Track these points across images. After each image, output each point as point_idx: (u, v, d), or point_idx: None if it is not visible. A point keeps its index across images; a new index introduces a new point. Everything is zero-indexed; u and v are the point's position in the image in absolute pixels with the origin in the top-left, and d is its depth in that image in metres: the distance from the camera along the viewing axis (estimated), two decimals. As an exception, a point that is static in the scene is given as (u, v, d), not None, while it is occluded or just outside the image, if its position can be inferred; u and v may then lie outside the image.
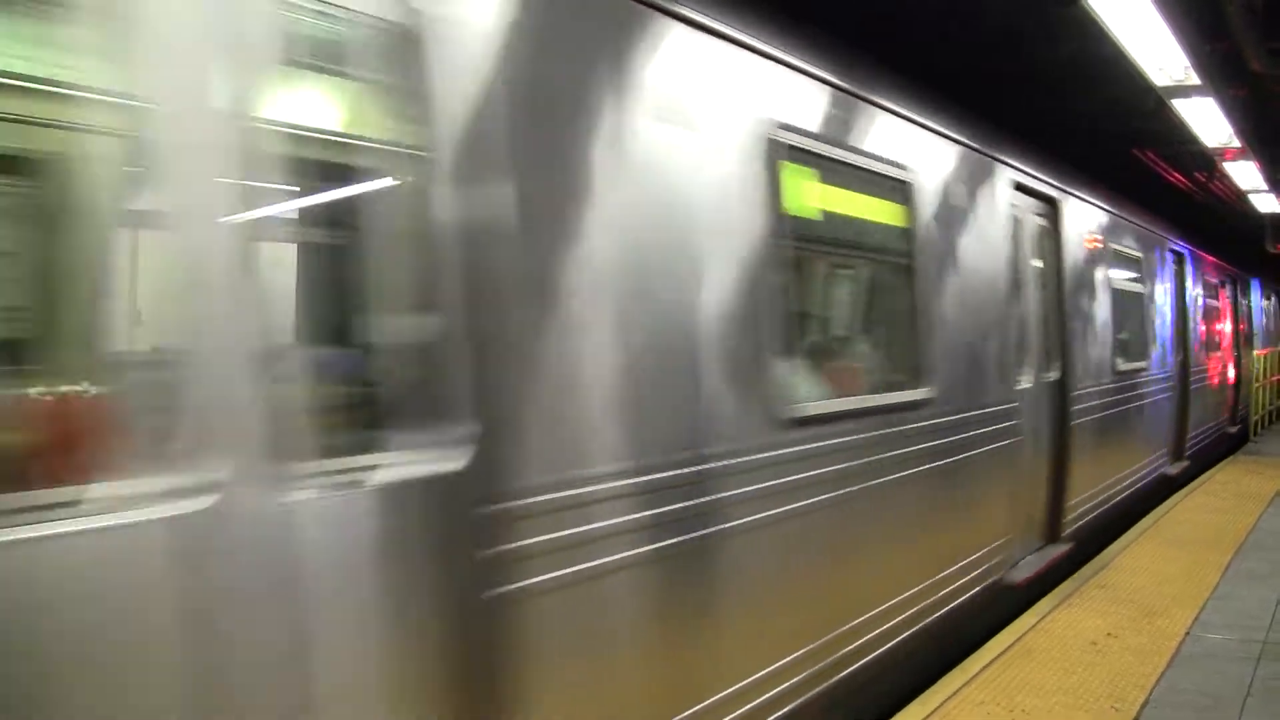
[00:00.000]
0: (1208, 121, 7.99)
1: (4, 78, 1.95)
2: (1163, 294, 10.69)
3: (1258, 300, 18.65)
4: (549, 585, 2.69)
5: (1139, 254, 9.69)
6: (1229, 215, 14.46)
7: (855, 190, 4.63)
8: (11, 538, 1.64)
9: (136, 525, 1.80)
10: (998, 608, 5.89)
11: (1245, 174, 10.71)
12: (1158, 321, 10.36)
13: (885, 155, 4.83)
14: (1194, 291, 12.17)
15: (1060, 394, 7.16)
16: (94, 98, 1.93)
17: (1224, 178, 11.32)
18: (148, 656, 1.83)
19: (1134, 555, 7.70)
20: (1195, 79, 6.66)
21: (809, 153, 4.19)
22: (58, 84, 1.95)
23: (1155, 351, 10.11)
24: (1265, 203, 12.73)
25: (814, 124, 4.30)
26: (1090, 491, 7.72)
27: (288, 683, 2.08)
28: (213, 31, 2.04)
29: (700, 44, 3.56)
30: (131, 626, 1.80)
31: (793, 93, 4.14)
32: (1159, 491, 10.09)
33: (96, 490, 1.80)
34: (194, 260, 1.97)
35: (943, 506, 5.28)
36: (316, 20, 2.35)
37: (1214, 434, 13.32)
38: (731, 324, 3.62)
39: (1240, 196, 12.37)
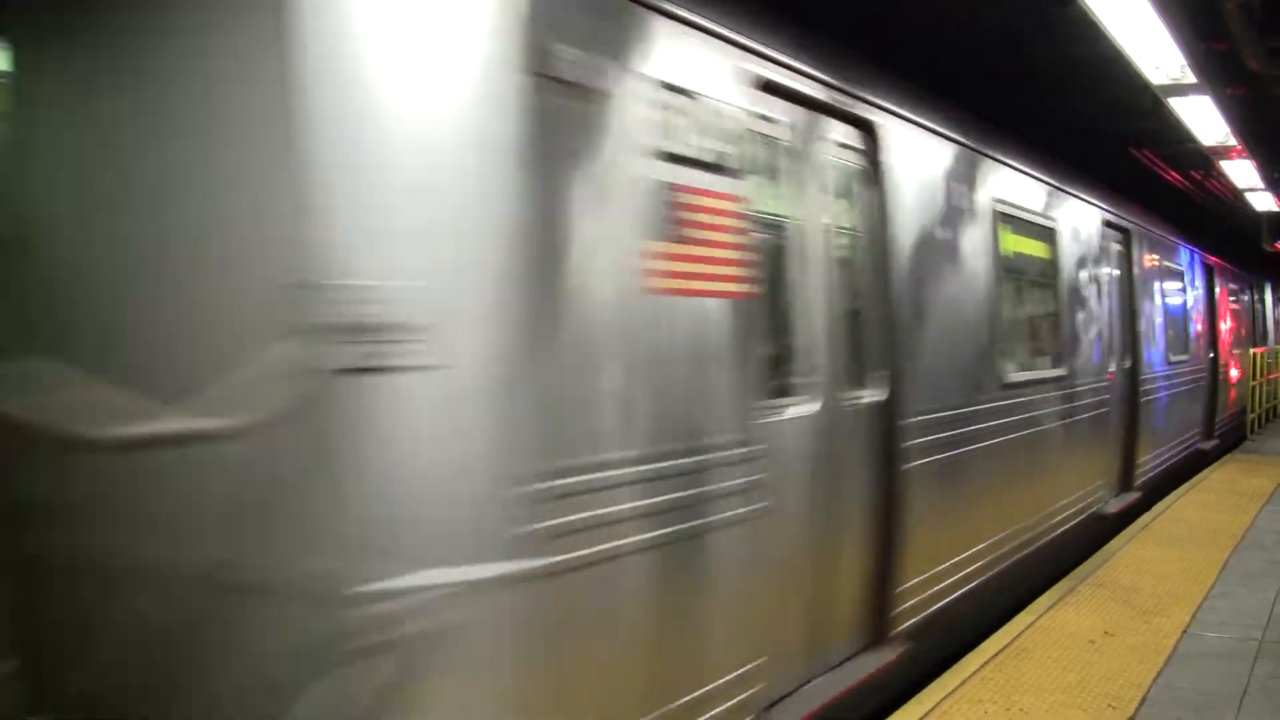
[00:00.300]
0: (1205, 120, 8.00)
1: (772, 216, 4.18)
2: (1199, 300, 12.93)
3: (1270, 302, 20.39)
4: (920, 468, 5.01)
5: (1182, 268, 11.98)
6: (1226, 214, 14.47)
7: (1028, 236, 6.93)
8: (779, 418, 4.03)
9: (805, 414, 4.24)
10: (1096, 531, 8.13)
11: (1242, 172, 10.72)
12: (1195, 323, 12.62)
13: (1041, 211, 7.16)
14: (1219, 297, 14.39)
15: (1132, 379, 9.30)
16: (792, 221, 4.30)
17: (1221, 176, 11.34)
18: (815, 456, 4.33)
19: (1131, 554, 7.72)
20: (1192, 78, 6.67)
21: (1008, 215, 6.51)
22: (785, 217, 4.28)
23: (1194, 348, 12.41)
24: (1262, 201, 12.74)
25: (1010, 195, 6.57)
26: (1152, 454, 9.92)
27: (832, 485, 4.44)
28: (821, 186, 4.49)
29: (968, 156, 5.99)
30: (803, 446, 4.26)
31: (999, 177, 6.45)
32: (1196, 462, 12.24)
33: (796, 401, 4.22)
34: (819, 297, 4.44)
35: (1070, 452, 7.55)
36: (849, 172, 4.78)
37: (1237, 419, 15.61)
38: (983, 323, 6.03)
39: (1237, 195, 12.39)
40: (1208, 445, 13.07)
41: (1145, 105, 7.73)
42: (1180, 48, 6.08)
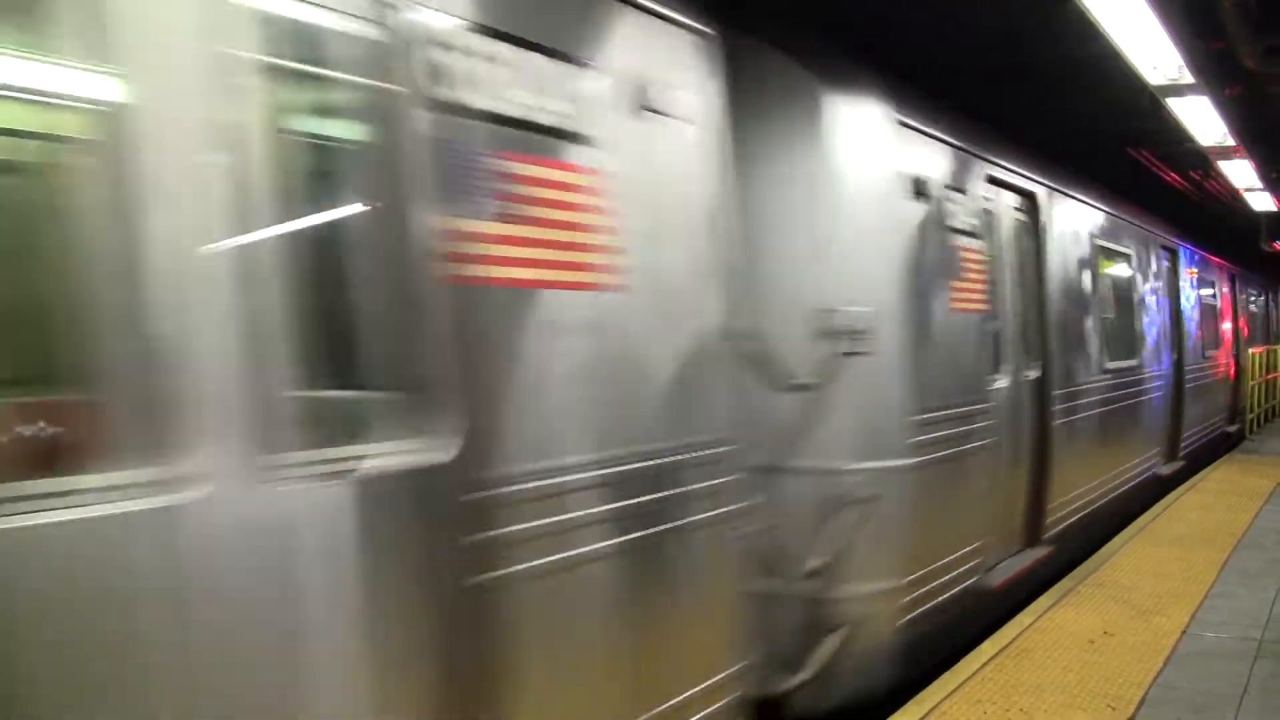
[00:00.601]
0: (1202, 120, 8.00)
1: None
2: (1225, 304, 15.14)
3: None
4: (1059, 425, 7.20)
5: (1213, 278, 14.28)
6: (1225, 214, 14.47)
7: (1113, 260, 9.23)
8: (994, 386, 6.25)
9: (1004, 385, 6.39)
10: (1154, 487, 10.23)
11: (1241, 172, 10.72)
12: (1223, 323, 14.92)
13: (1120, 240, 9.50)
14: (1241, 302, 16.69)
15: (1178, 370, 11.52)
16: (995, 261, 6.55)
17: (1219, 176, 11.33)
18: (1007, 412, 6.41)
19: (1130, 554, 7.72)
20: (1189, 77, 6.66)
21: (1102, 246, 8.80)
22: (993, 259, 6.56)
23: (1222, 344, 14.69)
24: (1260, 201, 12.74)
25: (1103, 232, 8.86)
26: (1192, 431, 12.15)
27: (1015, 432, 6.59)
28: (1007, 236, 6.73)
29: (1080, 207, 8.25)
30: (1003, 405, 6.39)
31: (1097, 219, 8.73)
32: (1221, 442, 14.22)
33: (999, 376, 6.37)
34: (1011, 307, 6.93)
35: (1139, 425, 9.83)
36: (1019, 225, 6.97)
37: None
38: (1091, 324, 8.24)
39: (1235, 195, 12.38)
40: (1232, 428, 15.09)
41: (1143, 105, 7.72)
42: (1177, 47, 6.08)
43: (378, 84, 2.54)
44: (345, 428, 2.46)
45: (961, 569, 5.61)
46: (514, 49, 2.89)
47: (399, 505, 2.46)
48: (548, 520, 2.85)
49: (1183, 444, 11.59)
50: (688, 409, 3.52)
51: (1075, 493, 7.59)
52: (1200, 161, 10.60)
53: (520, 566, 2.75)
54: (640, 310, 3.31)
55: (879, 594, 4.84)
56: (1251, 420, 16.37)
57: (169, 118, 2.06)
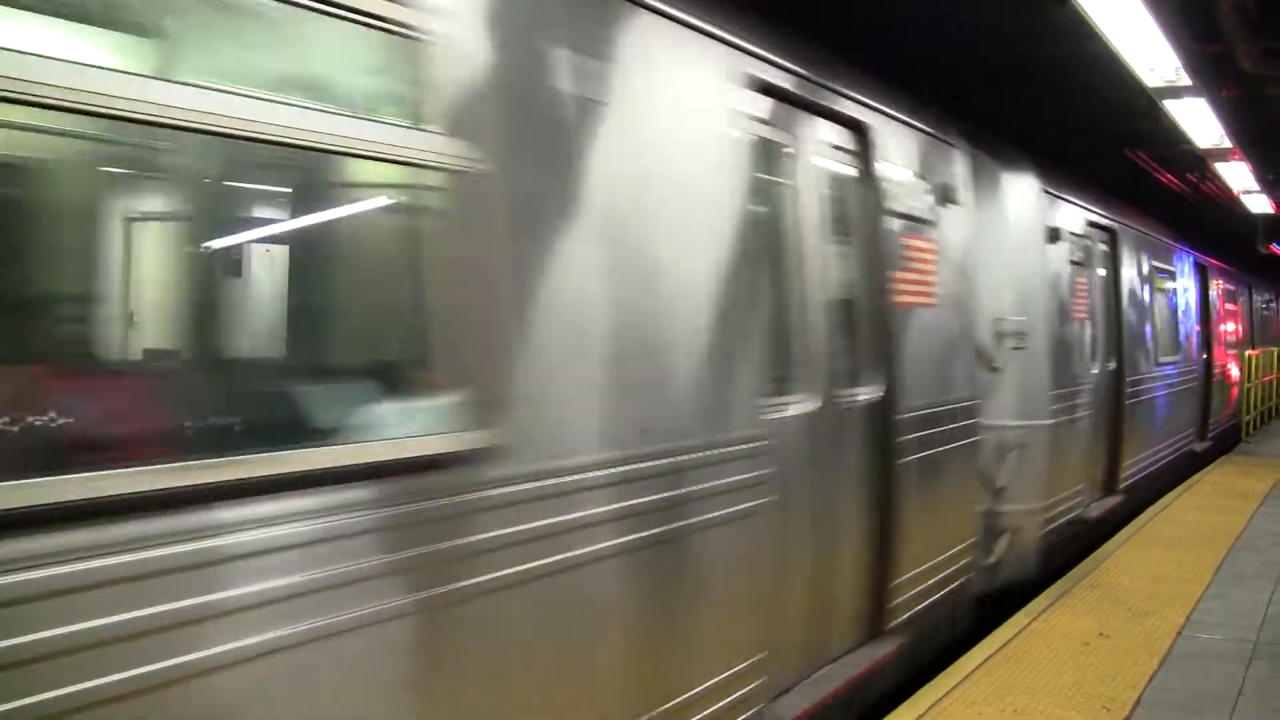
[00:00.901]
0: (1200, 122, 8.01)
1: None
2: (1244, 311, 17.35)
3: None
4: (1130, 404, 9.58)
5: (1234, 289, 16.52)
6: (1222, 216, 14.49)
7: (1164, 278, 11.38)
8: (1092, 373, 8.64)
9: (1097, 372, 8.68)
10: (1188, 464, 12.28)
11: (1237, 175, 10.73)
12: (1242, 326, 17.06)
13: (1167, 262, 11.61)
14: (1256, 308, 19.33)
15: (1208, 367, 13.84)
16: (1089, 281, 8.85)
17: (1215, 178, 11.34)
18: (1100, 393, 8.78)
19: (1126, 555, 7.72)
20: (1186, 80, 6.67)
21: (1155, 266, 10.87)
22: (1089, 279, 8.93)
23: (1241, 346, 16.74)
24: (1257, 203, 12.75)
25: (1154, 255, 10.91)
26: (1217, 418, 14.26)
27: (1101, 407, 8.77)
28: (1098, 261, 9.16)
29: (1143, 237, 10.60)
30: (1098, 387, 8.66)
31: (1152, 245, 10.86)
32: (1237, 429, 16.00)
33: (1094, 367, 8.71)
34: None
35: (1181, 410, 12.00)
36: (1102, 253, 9.39)
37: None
38: (1150, 327, 10.52)
39: (1232, 197, 12.39)
40: (1246, 418, 16.89)
41: (1141, 106, 7.73)
42: (1175, 49, 6.08)
43: (869, 202, 5.00)
44: (851, 380, 4.82)
45: (1074, 501, 7.88)
46: (910, 178, 5.36)
47: (871, 419, 4.91)
48: (922, 433, 5.25)
49: (1210, 427, 13.88)
50: (962, 376, 5.94)
51: (1138, 457, 9.89)
52: (1197, 163, 10.62)
53: (912, 458, 5.13)
54: (949, 318, 5.76)
55: (1029, 511, 7.03)
56: (1248, 422, 16.36)
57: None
